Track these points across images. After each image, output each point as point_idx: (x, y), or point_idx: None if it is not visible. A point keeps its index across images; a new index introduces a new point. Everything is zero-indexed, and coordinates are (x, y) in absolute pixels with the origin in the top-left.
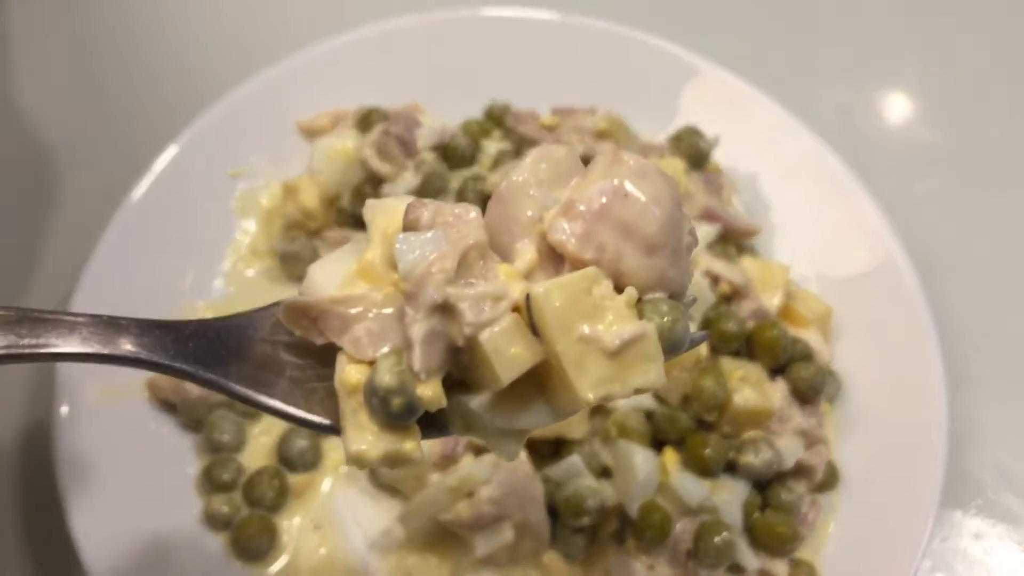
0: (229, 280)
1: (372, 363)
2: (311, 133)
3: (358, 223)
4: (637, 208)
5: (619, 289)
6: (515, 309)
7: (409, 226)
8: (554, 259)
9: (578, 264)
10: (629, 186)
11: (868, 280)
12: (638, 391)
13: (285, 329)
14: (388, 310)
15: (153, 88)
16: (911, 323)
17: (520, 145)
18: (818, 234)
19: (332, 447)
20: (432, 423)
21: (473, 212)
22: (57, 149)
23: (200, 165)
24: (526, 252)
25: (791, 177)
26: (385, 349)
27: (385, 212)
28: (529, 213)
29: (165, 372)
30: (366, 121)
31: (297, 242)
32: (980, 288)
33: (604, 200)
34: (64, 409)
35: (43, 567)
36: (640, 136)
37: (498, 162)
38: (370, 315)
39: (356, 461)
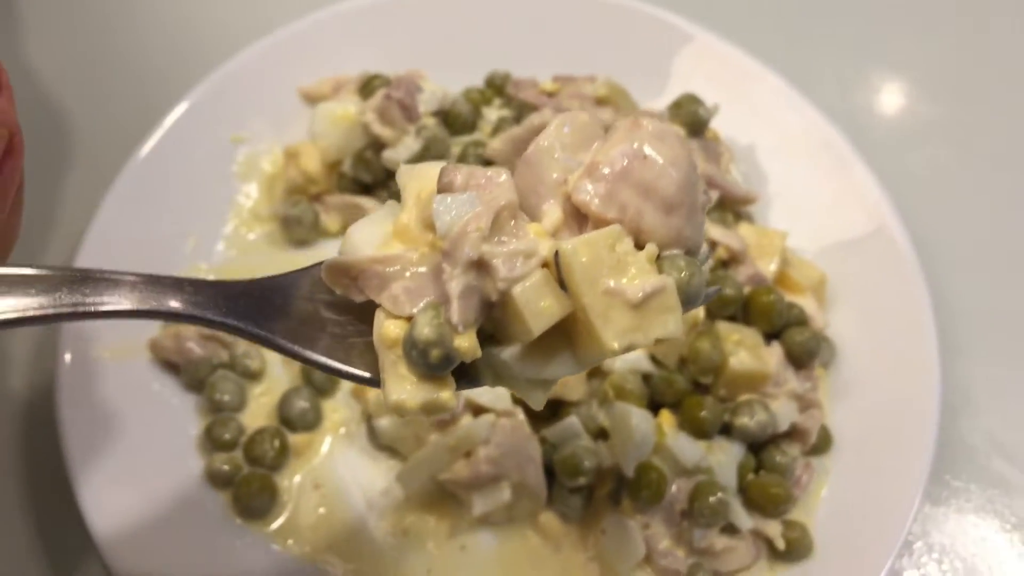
0: (230, 243)
1: (409, 319)
2: (313, 99)
3: (359, 188)
4: (656, 169)
5: (639, 246)
6: (544, 265)
7: (443, 189)
8: (579, 218)
9: (601, 223)
10: (648, 149)
11: (864, 249)
12: (659, 341)
13: (325, 288)
14: (423, 268)
15: (158, 53)
16: (906, 292)
17: (521, 112)
18: (815, 204)
19: (332, 408)
20: (464, 375)
21: (504, 175)
22: (61, 113)
23: (204, 129)
24: (553, 212)
25: (789, 148)
26: (421, 305)
27: (418, 176)
28: (555, 175)
29: (216, 328)
30: (368, 87)
31: (298, 206)
32: (975, 260)
33: (625, 162)
34: (67, 370)
35: (47, 526)
36: (639, 104)
37: (498, 128)
38: (407, 273)
39: (397, 409)
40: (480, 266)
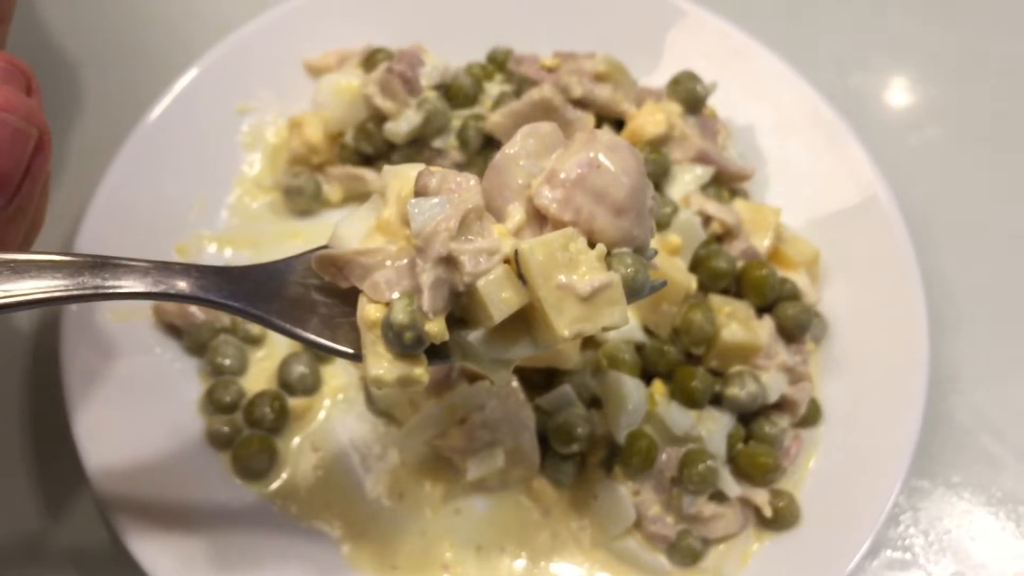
0: (234, 212)
1: (388, 304)
2: (318, 71)
3: (361, 159)
4: (609, 177)
5: (592, 245)
6: (506, 261)
7: (419, 191)
8: (539, 219)
9: (559, 224)
10: (602, 158)
11: (857, 227)
12: (605, 329)
13: (315, 274)
14: (401, 261)
15: (168, 23)
16: (897, 270)
17: (521, 87)
18: (810, 182)
19: (331, 374)
20: (437, 353)
21: (473, 180)
22: (71, 78)
23: (210, 99)
24: (516, 214)
25: (785, 126)
26: (398, 293)
27: (400, 177)
28: (519, 181)
29: (219, 308)
30: (371, 60)
31: (300, 177)
32: (968, 240)
33: (581, 170)
34: (72, 330)
35: (52, 486)
36: (639, 81)
37: (499, 103)
38: (387, 264)
39: (375, 383)
40: (449, 261)
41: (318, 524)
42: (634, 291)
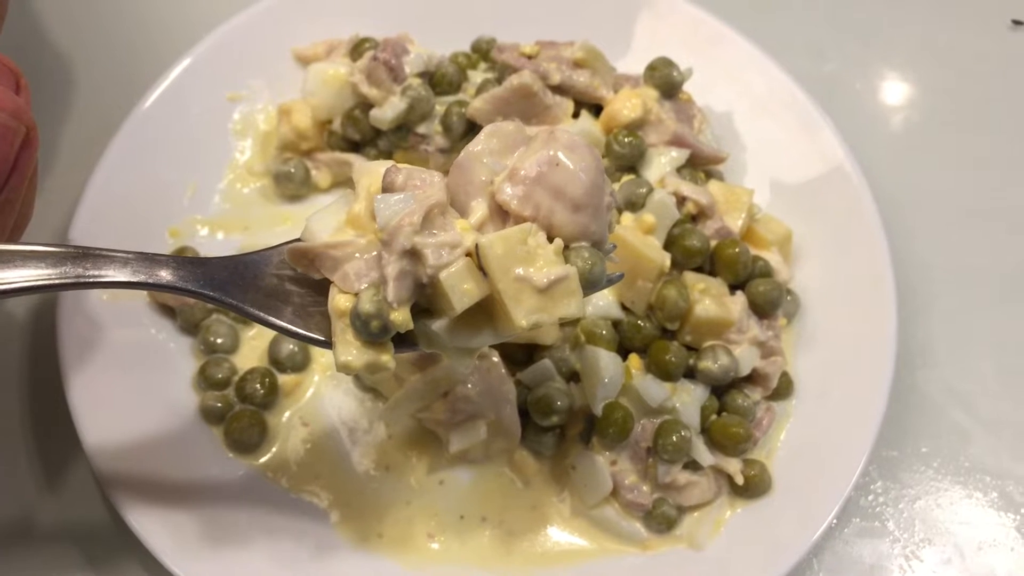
0: (225, 197)
1: (357, 294)
2: (307, 61)
3: (349, 145)
4: (567, 175)
5: (551, 240)
6: (468, 255)
7: (387, 187)
8: (501, 215)
9: (519, 220)
10: (562, 156)
11: (829, 209)
12: (562, 319)
13: (289, 265)
14: (370, 253)
15: (160, 13)
16: (868, 249)
17: (502, 74)
18: (783, 165)
19: (320, 352)
20: (404, 341)
21: (437, 177)
22: (60, 74)
23: (202, 87)
24: (479, 209)
25: (760, 111)
26: (367, 284)
27: (370, 174)
28: (483, 177)
29: (196, 298)
30: (359, 50)
31: (290, 163)
32: (938, 221)
33: (541, 168)
34: (68, 310)
35: (51, 462)
36: (616, 68)
37: (481, 89)
38: (356, 257)
39: (344, 368)
40: (413, 254)
41: (307, 495)
42: (591, 283)
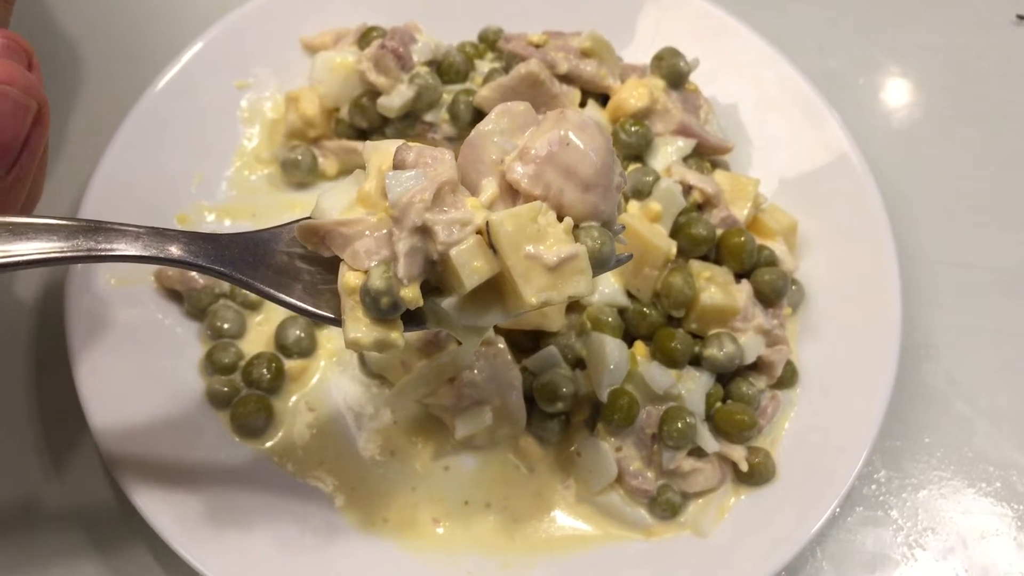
0: (232, 184)
1: (366, 272)
2: (315, 49)
3: (356, 133)
4: (578, 155)
5: (561, 219)
6: (479, 232)
7: (398, 165)
8: (511, 194)
9: (529, 198)
10: (572, 136)
11: (835, 200)
12: (571, 298)
13: (299, 243)
14: (380, 231)
15: (168, 1)
16: (873, 240)
17: (510, 63)
18: (789, 156)
19: (326, 338)
20: (413, 318)
21: (448, 155)
22: (70, 60)
23: (211, 74)
24: (489, 187)
25: (766, 103)
26: (376, 261)
27: (380, 152)
28: (493, 156)
29: (206, 273)
30: (366, 38)
31: (297, 150)
32: (944, 214)
33: (551, 147)
34: (76, 294)
35: (56, 445)
36: (623, 58)
37: (488, 78)
38: (366, 234)
39: (353, 345)
40: (423, 231)
41: (313, 480)
42: (600, 262)
